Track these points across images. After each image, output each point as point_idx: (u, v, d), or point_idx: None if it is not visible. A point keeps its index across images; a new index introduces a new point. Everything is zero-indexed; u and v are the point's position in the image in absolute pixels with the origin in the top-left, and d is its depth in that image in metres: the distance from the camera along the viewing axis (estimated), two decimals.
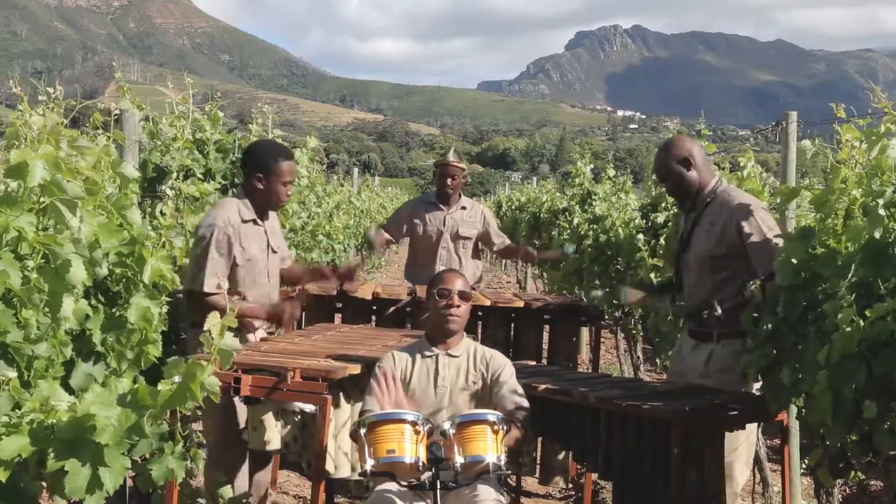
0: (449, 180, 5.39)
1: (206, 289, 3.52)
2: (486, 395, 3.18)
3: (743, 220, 3.38)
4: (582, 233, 7.15)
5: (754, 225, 3.37)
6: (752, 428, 3.49)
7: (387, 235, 5.52)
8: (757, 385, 3.41)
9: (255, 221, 3.76)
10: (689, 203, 3.63)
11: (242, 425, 3.54)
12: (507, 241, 5.68)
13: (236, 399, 3.47)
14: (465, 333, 3.32)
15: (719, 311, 3.39)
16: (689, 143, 3.65)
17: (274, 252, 3.90)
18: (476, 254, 5.63)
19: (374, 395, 3.10)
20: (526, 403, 3.15)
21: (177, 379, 1.87)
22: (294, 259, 4.42)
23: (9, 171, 1.88)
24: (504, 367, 3.23)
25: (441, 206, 5.44)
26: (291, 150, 4.05)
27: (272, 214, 3.96)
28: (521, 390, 3.21)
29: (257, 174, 3.73)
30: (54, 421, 1.75)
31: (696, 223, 3.59)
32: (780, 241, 3.32)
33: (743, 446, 3.43)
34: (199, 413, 3.78)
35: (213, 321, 2.00)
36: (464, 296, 3.23)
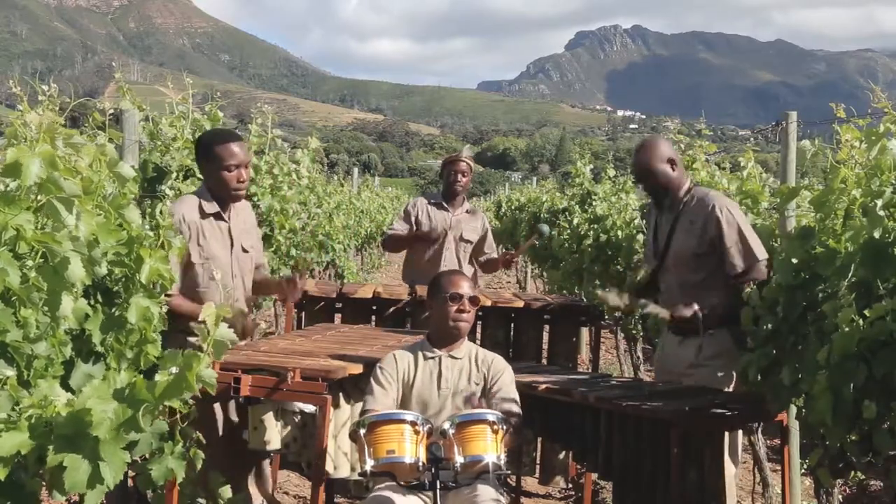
0: (460, 176, 5.34)
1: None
2: (484, 397, 3.18)
3: (721, 216, 3.52)
4: (582, 233, 7.14)
5: (731, 221, 3.52)
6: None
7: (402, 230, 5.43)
8: (731, 386, 3.54)
9: (217, 215, 3.60)
10: (667, 202, 3.73)
11: (221, 433, 3.51)
12: (493, 255, 5.61)
13: (217, 406, 3.45)
14: (465, 337, 3.32)
15: (695, 310, 3.49)
16: (669, 145, 3.83)
17: (245, 251, 3.73)
18: (470, 259, 5.61)
19: (374, 395, 3.11)
20: (518, 411, 3.16)
21: (173, 370, 1.87)
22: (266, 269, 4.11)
23: (5, 169, 1.88)
24: (504, 373, 3.24)
25: (447, 206, 5.41)
26: (234, 133, 3.78)
27: (244, 212, 3.81)
28: (517, 398, 3.21)
29: (199, 163, 3.63)
30: (52, 416, 1.75)
31: (675, 223, 3.69)
32: (753, 237, 3.51)
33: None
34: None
35: (207, 312, 2.01)
36: (473, 300, 3.24)
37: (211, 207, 3.58)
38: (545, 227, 5.41)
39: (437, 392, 3.18)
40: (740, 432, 3.68)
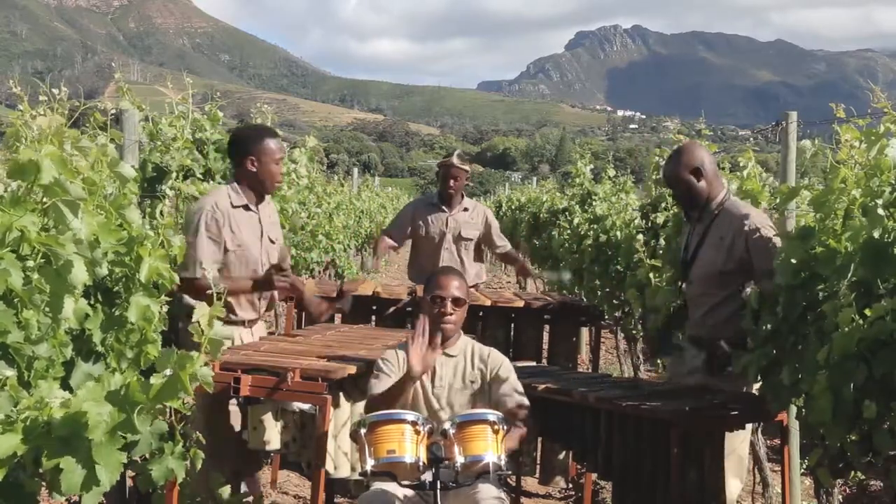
0: (452, 181, 5.40)
1: (198, 274, 3.51)
2: (485, 393, 3.18)
3: (751, 235, 3.38)
4: (582, 233, 7.15)
5: (762, 241, 3.37)
6: (743, 438, 3.48)
7: (391, 242, 5.53)
8: (756, 385, 3.41)
9: (246, 207, 3.75)
10: (696, 213, 3.62)
11: (238, 428, 3.53)
12: (509, 247, 5.70)
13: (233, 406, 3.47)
14: (461, 332, 3.31)
15: (727, 348, 3.38)
16: (701, 153, 3.61)
17: (272, 242, 3.88)
18: (479, 256, 5.64)
19: (380, 380, 3.12)
20: (526, 402, 3.16)
21: (168, 372, 1.86)
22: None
23: (14, 170, 1.88)
24: (502, 364, 3.23)
25: (443, 207, 5.45)
26: (270, 129, 4.00)
27: (269, 205, 3.96)
28: (521, 388, 3.21)
29: (249, 157, 3.72)
30: (48, 418, 1.75)
31: (704, 237, 3.57)
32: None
33: (734, 458, 3.41)
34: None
35: (201, 311, 2.00)
36: (458, 302, 3.18)
37: (239, 199, 3.73)
38: (566, 275, 5.53)
39: (432, 390, 3.19)
40: (746, 446, 3.60)
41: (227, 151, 3.94)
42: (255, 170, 3.73)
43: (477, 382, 3.20)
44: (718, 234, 3.50)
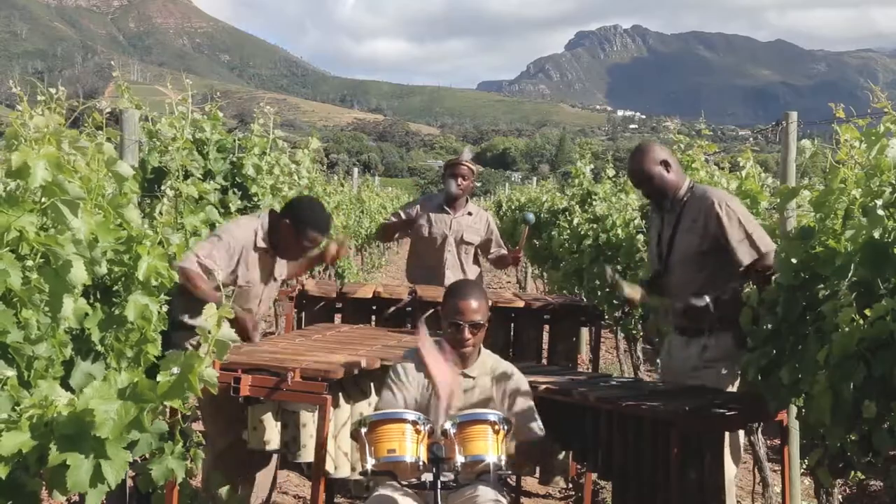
0: (459, 180, 5.35)
1: (188, 265, 3.58)
2: (501, 408, 3.10)
3: (721, 212, 3.53)
4: (582, 233, 7.14)
5: (732, 216, 3.52)
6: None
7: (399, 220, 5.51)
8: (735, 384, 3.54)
9: (265, 251, 3.91)
10: (667, 203, 3.75)
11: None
12: (503, 251, 5.61)
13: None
14: (481, 347, 3.19)
15: (707, 301, 3.52)
16: (662, 148, 3.86)
17: (275, 280, 4.06)
18: (476, 259, 5.62)
19: (394, 397, 3.07)
20: (539, 432, 3.12)
21: (175, 370, 1.86)
22: None
23: (9, 172, 1.88)
24: (521, 386, 3.17)
25: (448, 209, 5.42)
26: (329, 224, 4.08)
27: None
28: (537, 417, 3.16)
29: (288, 221, 3.85)
30: (54, 416, 1.75)
31: (677, 224, 3.70)
32: (757, 229, 3.52)
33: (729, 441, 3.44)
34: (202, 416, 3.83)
35: (209, 312, 2.00)
36: (476, 325, 3.06)
37: (263, 244, 3.91)
38: (530, 216, 5.48)
39: (447, 413, 3.06)
40: (741, 432, 3.68)
41: (283, 206, 4.08)
42: (283, 234, 3.87)
43: (495, 400, 3.11)
44: (690, 217, 3.65)
